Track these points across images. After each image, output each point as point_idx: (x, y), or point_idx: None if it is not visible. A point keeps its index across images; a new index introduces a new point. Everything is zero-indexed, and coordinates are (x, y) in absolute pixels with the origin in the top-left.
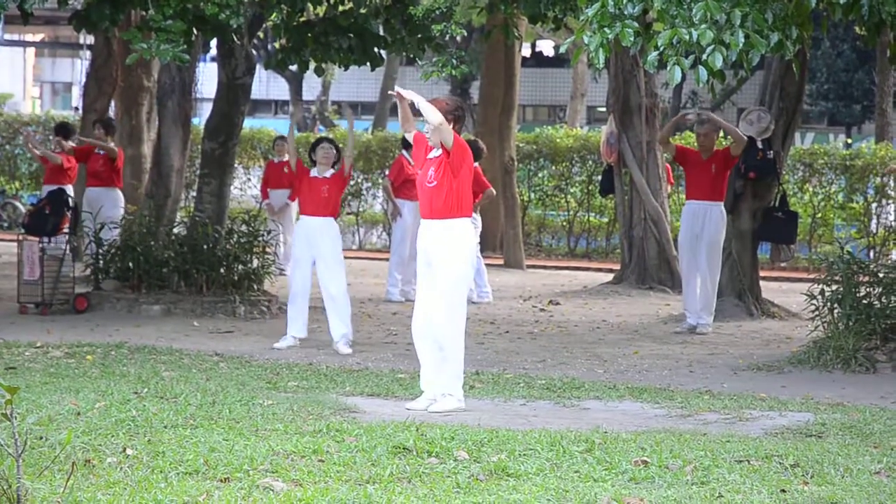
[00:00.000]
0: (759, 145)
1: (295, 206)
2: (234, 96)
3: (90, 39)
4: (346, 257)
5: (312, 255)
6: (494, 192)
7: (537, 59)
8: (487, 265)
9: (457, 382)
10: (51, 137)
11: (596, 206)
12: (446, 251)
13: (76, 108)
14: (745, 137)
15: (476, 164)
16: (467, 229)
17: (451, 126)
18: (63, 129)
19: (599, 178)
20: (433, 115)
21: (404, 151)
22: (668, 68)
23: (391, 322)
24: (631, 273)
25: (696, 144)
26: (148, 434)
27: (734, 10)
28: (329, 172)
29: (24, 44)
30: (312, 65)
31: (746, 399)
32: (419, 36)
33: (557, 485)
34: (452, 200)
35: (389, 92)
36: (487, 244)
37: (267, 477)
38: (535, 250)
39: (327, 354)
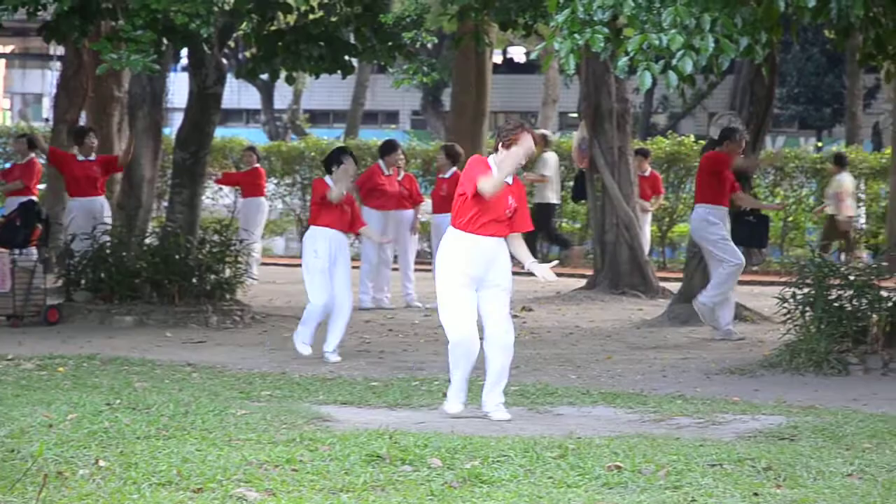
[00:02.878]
0: None
1: (264, 214)
2: (205, 106)
3: (60, 50)
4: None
5: (332, 269)
6: None
7: (508, 66)
8: None
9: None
10: (8, 149)
11: (568, 212)
12: (509, 265)
13: (47, 120)
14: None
15: (455, 169)
16: None
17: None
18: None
19: (571, 184)
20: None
21: (381, 161)
22: (639, 73)
23: (364, 330)
24: (604, 278)
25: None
26: (120, 445)
27: (704, 14)
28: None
29: None
30: (283, 73)
31: (719, 403)
32: (390, 43)
33: (531, 491)
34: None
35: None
36: None
37: (240, 487)
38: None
39: (300, 363)
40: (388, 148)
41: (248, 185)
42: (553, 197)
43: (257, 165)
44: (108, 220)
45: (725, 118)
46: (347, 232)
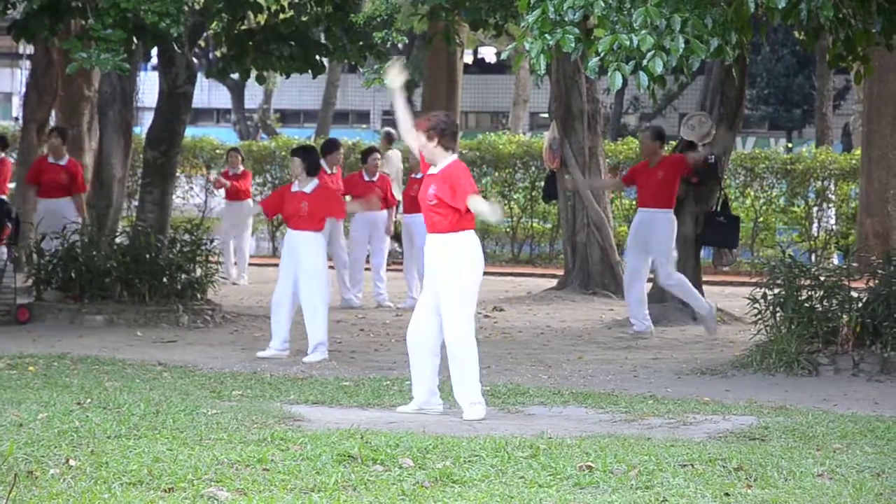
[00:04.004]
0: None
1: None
2: (175, 105)
3: (30, 49)
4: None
5: (294, 268)
6: None
7: (479, 66)
8: None
9: (478, 389)
10: None
11: (539, 212)
12: (447, 263)
13: (16, 119)
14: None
15: None
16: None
17: (437, 141)
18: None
19: (542, 184)
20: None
21: (323, 160)
22: (609, 74)
23: (336, 330)
24: (574, 278)
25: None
26: (91, 445)
27: (674, 15)
28: (310, 187)
29: None
30: (254, 73)
31: (690, 403)
32: (360, 43)
33: (503, 491)
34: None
35: None
36: None
37: (211, 486)
38: None
39: (271, 363)
40: (330, 147)
41: (241, 190)
42: (396, 194)
43: (243, 168)
44: (76, 221)
45: (696, 119)
46: (304, 229)
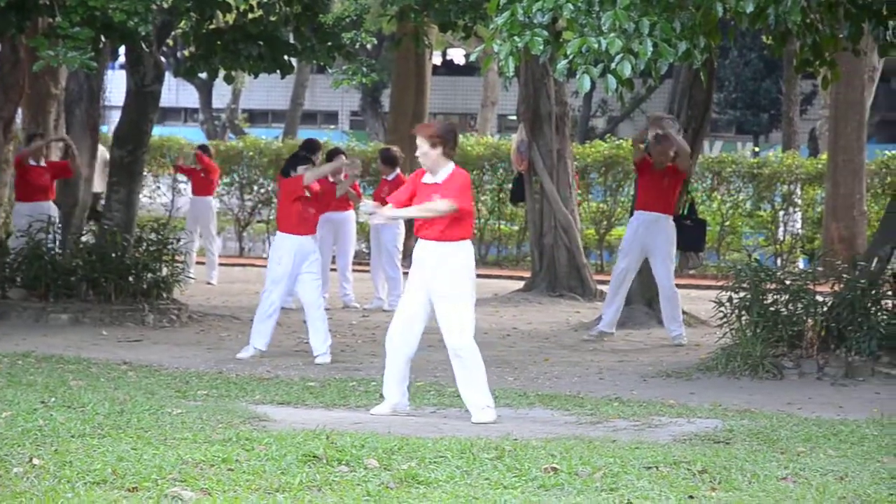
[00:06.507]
0: None
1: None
2: (142, 104)
3: None
4: (255, 266)
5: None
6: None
7: (448, 68)
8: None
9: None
10: None
11: (507, 214)
12: (455, 272)
13: None
14: (688, 149)
15: (398, 171)
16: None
17: (442, 150)
18: None
19: (510, 186)
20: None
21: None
22: (578, 77)
23: (301, 330)
24: (541, 281)
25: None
26: (55, 443)
27: (642, 19)
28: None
29: None
30: (222, 72)
31: (655, 406)
32: (329, 44)
33: (467, 492)
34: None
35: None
36: None
37: (176, 486)
38: None
39: (237, 363)
40: (313, 148)
41: (208, 184)
42: (99, 186)
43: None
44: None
45: (665, 122)
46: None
